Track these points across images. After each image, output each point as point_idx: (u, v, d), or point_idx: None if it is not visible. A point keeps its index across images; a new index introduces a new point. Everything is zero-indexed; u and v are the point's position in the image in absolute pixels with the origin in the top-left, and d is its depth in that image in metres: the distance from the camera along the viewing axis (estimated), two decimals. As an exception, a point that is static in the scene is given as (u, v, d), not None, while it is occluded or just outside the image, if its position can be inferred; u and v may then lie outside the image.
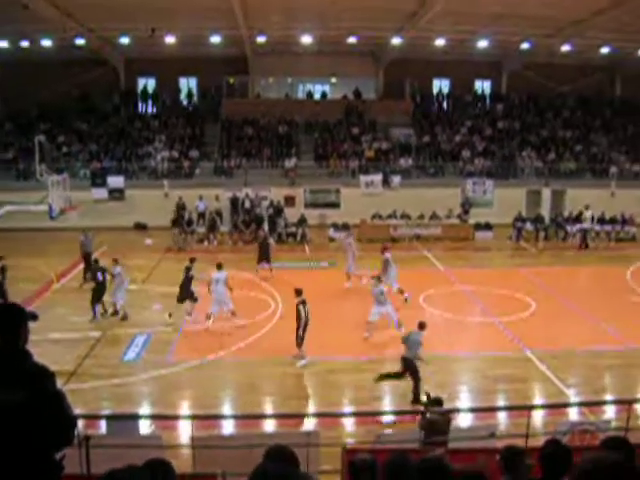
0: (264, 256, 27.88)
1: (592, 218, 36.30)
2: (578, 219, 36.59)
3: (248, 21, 35.61)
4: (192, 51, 41.66)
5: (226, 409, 15.81)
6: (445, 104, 48.25)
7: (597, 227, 36.38)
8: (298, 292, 18.49)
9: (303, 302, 18.39)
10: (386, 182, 39.34)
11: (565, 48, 39.49)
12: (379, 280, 20.87)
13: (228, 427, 13.88)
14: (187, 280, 21.67)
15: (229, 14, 33.26)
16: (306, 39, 38.37)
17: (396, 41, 38.67)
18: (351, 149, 42.22)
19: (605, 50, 40.06)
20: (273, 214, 36.53)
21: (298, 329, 18.30)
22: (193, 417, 12.38)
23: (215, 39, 38.01)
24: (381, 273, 23.00)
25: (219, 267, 21.27)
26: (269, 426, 13.80)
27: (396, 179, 39.49)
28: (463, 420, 14.33)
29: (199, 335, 20.78)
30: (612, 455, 4.14)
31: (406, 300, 23.70)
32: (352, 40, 39.31)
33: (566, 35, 37.60)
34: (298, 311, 18.28)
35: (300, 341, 18.39)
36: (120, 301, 22.33)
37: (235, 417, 14.77)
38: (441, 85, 48.76)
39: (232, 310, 21.18)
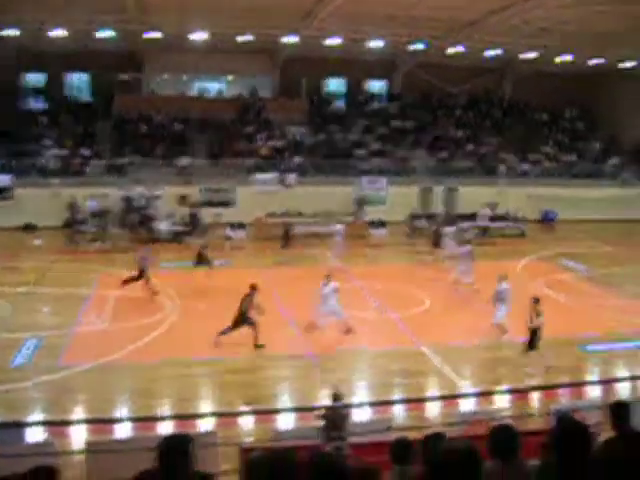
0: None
1: (490, 216, 37.60)
2: (474, 216, 37.64)
3: (141, 16, 35.03)
4: (83, 46, 40.58)
5: (121, 413, 15.52)
6: (340, 103, 48.66)
7: (489, 224, 37.53)
8: (253, 287, 19.21)
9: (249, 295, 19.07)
10: (281, 180, 39.39)
11: (456, 49, 40.51)
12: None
13: (123, 431, 13.63)
14: (246, 306, 19.75)
15: (122, 8, 32.67)
16: (201, 36, 38.05)
17: (291, 39, 38.79)
18: (246, 147, 42.08)
19: (494, 52, 41.31)
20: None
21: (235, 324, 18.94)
22: (86, 421, 12.13)
23: (107, 34, 37.21)
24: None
25: (327, 278, 20.77)
26: (165, 428, 13.66)
27: (291, 177, 39.60)
28: (361, 414, 14.47)
29: (92, 338, 20.31)
30: (460, 444, 4.33)
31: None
32: (247, 38, 39.21)
33: (457, 37, 38.57)
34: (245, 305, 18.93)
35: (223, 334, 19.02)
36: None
37: (130, 420, 14.48)
38: (336, 84, 49.22)
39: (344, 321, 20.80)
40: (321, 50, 42.07)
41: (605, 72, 47.67)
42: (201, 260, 26.47)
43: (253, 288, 19.54)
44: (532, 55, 41.53)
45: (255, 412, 15.17)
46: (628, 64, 42.36)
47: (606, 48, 38.47)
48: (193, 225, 34.89)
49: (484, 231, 36.65)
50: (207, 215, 36.40)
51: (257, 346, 19.28)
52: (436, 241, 31.22)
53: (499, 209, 38.91)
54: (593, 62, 41.74)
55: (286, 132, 44.16)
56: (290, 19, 36.29)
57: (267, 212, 37.13)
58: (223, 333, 19.19)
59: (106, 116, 43.26)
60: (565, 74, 48.03)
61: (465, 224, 36.39)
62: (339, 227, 32.72)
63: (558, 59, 41.84)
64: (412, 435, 7.45)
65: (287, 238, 33.45)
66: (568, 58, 41.24)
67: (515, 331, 20.70)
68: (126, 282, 24.09)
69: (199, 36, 37.92)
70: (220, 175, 40.05)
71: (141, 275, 24.10)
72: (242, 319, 19.26)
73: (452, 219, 36.70)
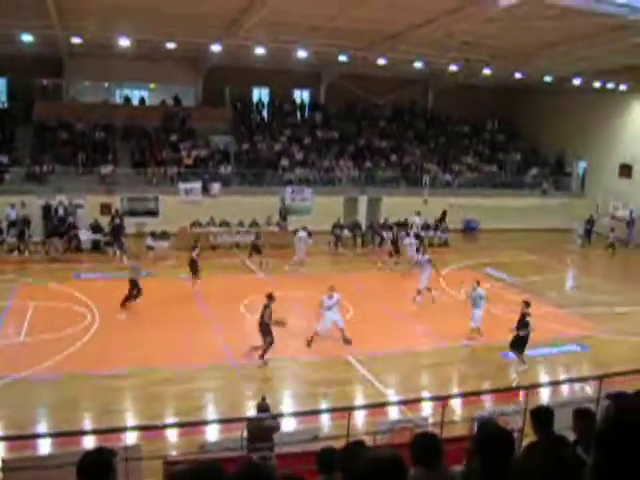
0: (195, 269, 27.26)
1: (421, 225, 38.15)
2: (403, 225, 38.09)
3: (63, 21, 34.28)
4: (1, 50, 39.45)
5: (40, 427, 15.12)
6: (265, 112, 48.64)
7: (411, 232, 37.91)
8: (269, 297, 19.34)
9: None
10: (205, 189, 39.06)
11: (380, 61, 40.84)
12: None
13: (43, 447, 13.25)
14: (267, 316, 19.46)
15: (43, 12, 31.90)
16: (124, 42, 37.47)
17: (215, 48, 38.56)
18: (170, 156, 41.63)
19: (418, 65, 41.79)
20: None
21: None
22: (3, 438, 11.76)
23: (27, 38, 36.30)
24: None
25: (330, 291, 21.36)
26: (87, 443, 13.35)
27: (216, 186, 39.28)
28: (287, 425, 14.44)
29: (10, 350, 19.73)
30: (385, 452, 4.35)
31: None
32: (171, 46, 38.81)
33: (380, 49, 38.88)
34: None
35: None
36: None
37: (49, 435, 14.06)
38: (261, 93, 49.19)
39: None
40: (246, 59, 41.84)
41: (526, 86, 48.80)
42: (194, 270, 26.87)
43: (270, 298, 19.50)
44: (455, 68, 42.18)
45: (180, 425, 14.99)
46: (547, 78, 43.53)
47: (527, 62, 39.36)
48: (115, 235, 34.19)
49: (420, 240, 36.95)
50: (130, 225, 35.91)
51: (262, 358, 19.29)
52: (396, 249, 32.61)
53: (424, 218, 39.53)
54: (515, 76, 42.63)
55: (210, 141, 43.86)
56: (215, 28, 36.02)
57: (191, 221, 36.73)
58: (264, 353, 19.29)
59: (26, 122, 42.13)
60: (487, 87, 49.02)
61: (386, 233, 36.90)
62: (302, 234, 32.91)
63: (481, 72, 42.57)
64: (338, 444, 7.46)
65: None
66: (490, 72, 41.99)
67: (439, 338, 21.00)
68: (125, 301, 24.01)
69: (122, 43, 37.30)
70: (144, 184, 39.49)
71: (134, 286, 24.08)
72: (263, 329, 19.35)
73: (387, 227, 37.25)
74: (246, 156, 43.33)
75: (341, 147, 46.15)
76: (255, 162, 42.90)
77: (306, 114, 49.46)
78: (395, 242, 33.46)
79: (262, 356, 19.24)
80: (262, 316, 19.28)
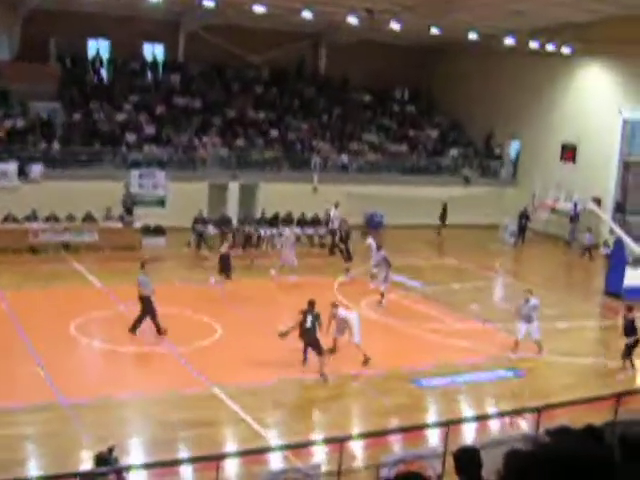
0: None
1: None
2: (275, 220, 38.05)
3: None
4: None
5: None
6: (104, 72, 47.64)
7: (297, 230, 37.81)
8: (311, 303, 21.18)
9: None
10: (23, 173, 37.91)
11: (257, 9, 40.45)
12: None
13: None
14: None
15: None
16: None
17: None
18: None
19: (307, 15, 41.57)
20: None
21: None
22: None
23: None
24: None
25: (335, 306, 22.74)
26: None
27: (37, 169, 38.20)
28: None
29: None
30: None
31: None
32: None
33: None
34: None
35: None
36: None
37: None
38: (99, 47, 48.16)
39: None
40: (79, 1, 40.92)
41: (445, 45, 49.51)
42: (225, 268, 28.94)
43: (311, 304, 21.17)
44: (354, 20, 42.13)
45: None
46: (472, 36, 43.79)
47: (447, 15, 39.69)
48: None
49: (340, 237, 36.87)
50: None
51: (321, 375, 20.67)
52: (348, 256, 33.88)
53: (311, 211, 39.49)
54: (431, 32, 42.77)
55: (29, 108, 42.63)
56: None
57: (3, 215, 35.54)
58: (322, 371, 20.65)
59: None
60: (396, 46, 49.53)
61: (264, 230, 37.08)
62: (287, 232, 34.30)
63: (388, 27, 42.61)
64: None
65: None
66: (400, 27, 42.04)
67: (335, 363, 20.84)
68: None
69: None
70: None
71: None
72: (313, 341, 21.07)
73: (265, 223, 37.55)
74: (78, 129, 42.33)
75: (205, 119, 45.81)
76: (90, 137, 42.02)
77: (159, 75, 48.77)
78: (345, 240, 34.91)
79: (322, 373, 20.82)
80: (307, 325, 20.96)
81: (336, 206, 39.02)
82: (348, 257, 33.89)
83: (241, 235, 38.03)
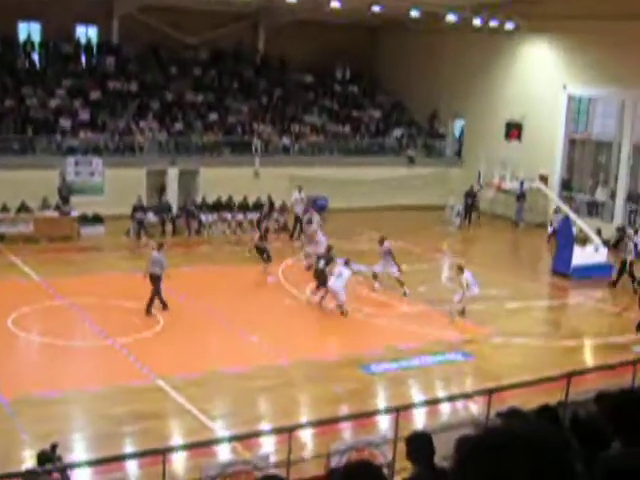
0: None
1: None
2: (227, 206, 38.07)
3: None
4: None
5: None
6: (36, 56, 47.03)
7: (240, 216, 37.68)
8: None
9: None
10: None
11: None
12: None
13: None
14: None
15: None
16: None
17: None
18: None
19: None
20: None
21: None
22: None
23: None
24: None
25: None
26: None
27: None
28: (82, 477, 14.26)
29: None
30: None
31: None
32: None
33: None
34: None
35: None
36: None
37: None
38: (30, 30, 47.49)
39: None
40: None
41: (387, 23, 49.54)
42: (263, 252, 31.09)
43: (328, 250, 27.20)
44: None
45: None
46: (414, 13, 43.83)
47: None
48: None
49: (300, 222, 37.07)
50: None
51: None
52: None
53: (253, 195, 39.40)
54: (372, 10, 42.68)
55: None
56: None
57: None
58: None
59: None
60: (337, 25, 49.42)
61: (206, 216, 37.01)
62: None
63: (328, 5, 42.47)
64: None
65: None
66: (340, 5, 41.92)
67: (279, 351, 20.79)
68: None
69: None
70: None
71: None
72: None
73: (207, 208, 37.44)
74: (9, 116, 41.74)
75: (142, 103, 45.41)
76: (23, 124, 41.48)
77: (93, 59, 48.21)
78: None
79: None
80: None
81: (300, 190, 39.01)
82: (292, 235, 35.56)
83: (182, 222, 37.90)
